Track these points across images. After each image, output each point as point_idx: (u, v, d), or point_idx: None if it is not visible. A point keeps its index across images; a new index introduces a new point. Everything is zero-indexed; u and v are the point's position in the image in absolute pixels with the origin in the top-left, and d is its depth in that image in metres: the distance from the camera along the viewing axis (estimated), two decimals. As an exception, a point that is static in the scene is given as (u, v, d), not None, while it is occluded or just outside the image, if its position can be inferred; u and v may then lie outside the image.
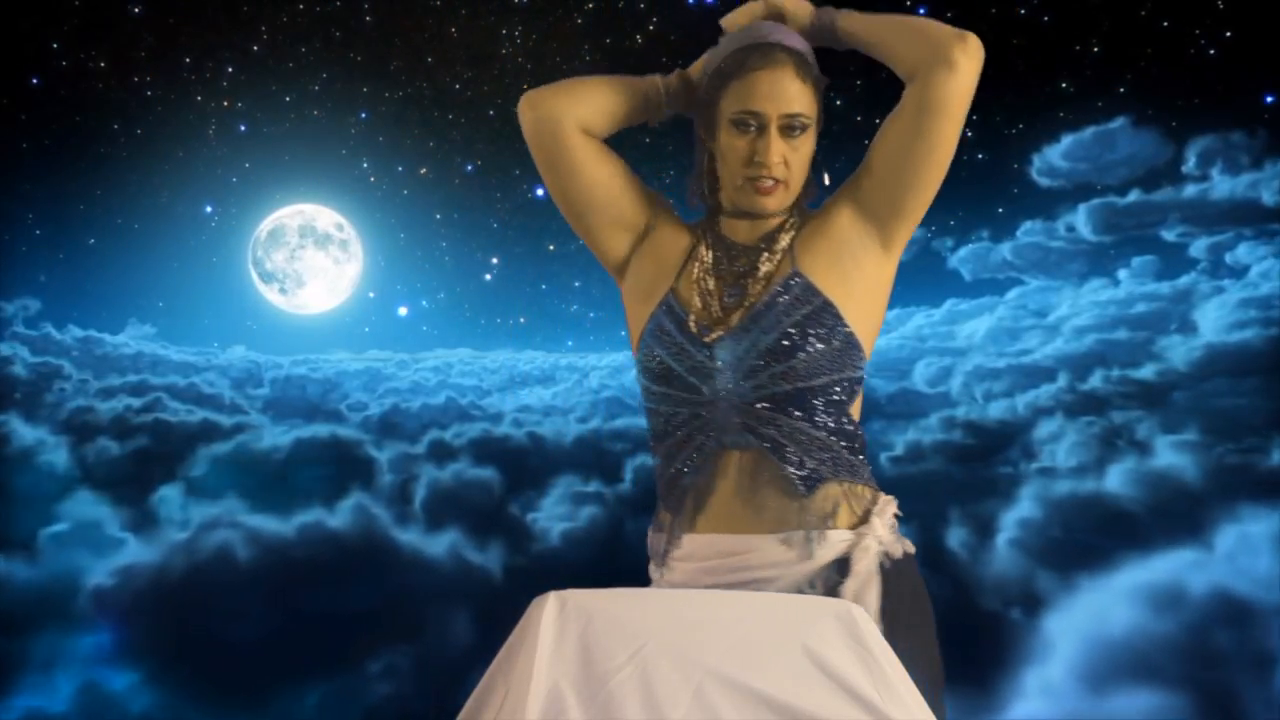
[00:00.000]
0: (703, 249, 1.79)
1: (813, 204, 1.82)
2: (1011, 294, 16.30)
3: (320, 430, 10.70)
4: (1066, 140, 13.93)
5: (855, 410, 1.74)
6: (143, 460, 9.95)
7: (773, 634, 1.40)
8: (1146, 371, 11.98)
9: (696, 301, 1.75)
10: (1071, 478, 8.31)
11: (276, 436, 10.59)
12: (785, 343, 1.67)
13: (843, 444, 1.71)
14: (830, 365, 1.68)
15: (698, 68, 1.83)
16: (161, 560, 6.86)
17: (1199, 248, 15.08)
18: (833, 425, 1.70)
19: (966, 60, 1.64)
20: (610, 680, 1.31)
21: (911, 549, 1.71)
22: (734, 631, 1.40)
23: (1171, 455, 8.14)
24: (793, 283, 1.71)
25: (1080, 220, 13.96)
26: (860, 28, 1.75)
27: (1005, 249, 15.37)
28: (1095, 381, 11.92)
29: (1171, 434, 8.51)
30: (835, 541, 1.65)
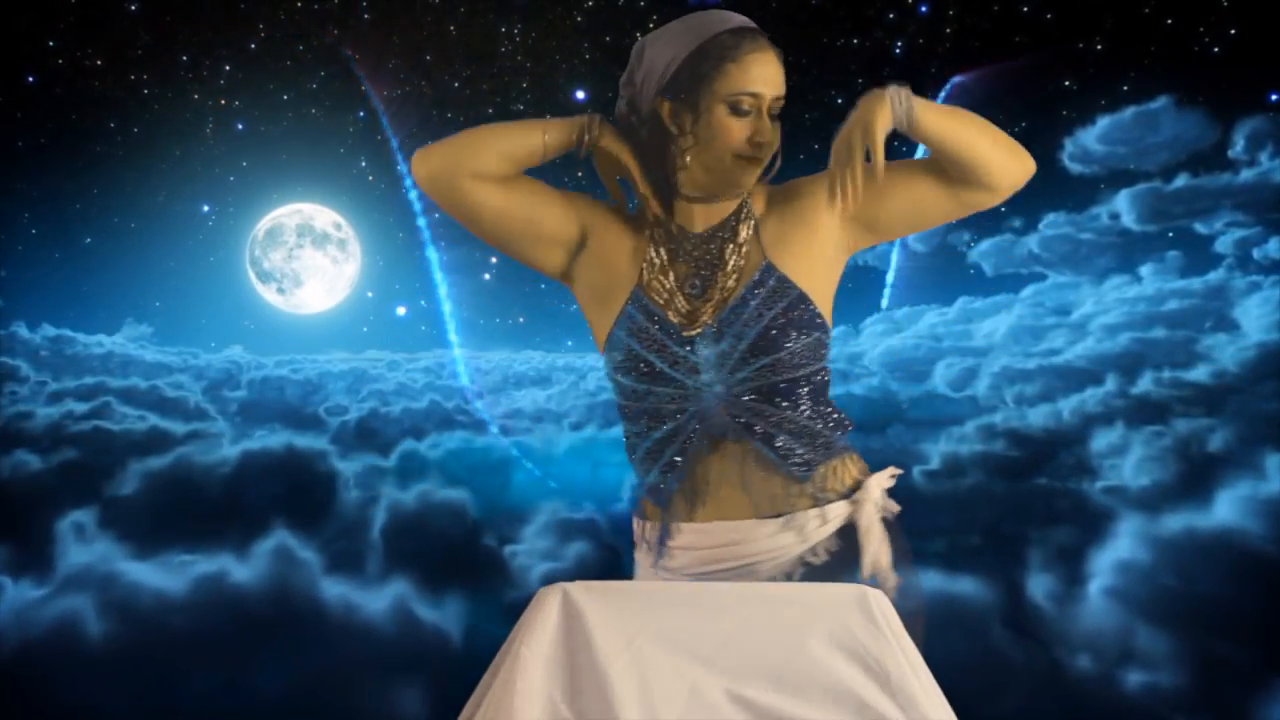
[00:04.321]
0: (658, 241, 1.70)
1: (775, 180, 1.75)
2: (1027, 291, 14.72)
3: (273, 442, 8.62)
4: (1103, 122, 12.00)
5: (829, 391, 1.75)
6: (61, 478, 7.83)
7: (772, 626, 1.31)
8: (1200, 373, 10.03)
9: (665, 296, 1.67)
10: (1166, 505, 6.16)
11: (228, 448, 8.53)
12: (768, 337, 1.63)
13: (827, 426, 1.70)
14: (811, 356, 1.67)
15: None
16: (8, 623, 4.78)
17: (1225, 242, 13.53)
18: (815, 411, 1.69)
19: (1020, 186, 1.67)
20: (609, 673, 1.22)
21: (897, 508, 1.71)
22: (732, 623, 1.32)
23: (1284, 478, 6.01)
24: (767, 276, 1.67)
25: (1123, 208, 12.03)
26: (936, 126, 1.60)
27: (1031, 242, 13.47)
28: (1146, 384, 9.92)
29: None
30: (833, 516, 1.65)
